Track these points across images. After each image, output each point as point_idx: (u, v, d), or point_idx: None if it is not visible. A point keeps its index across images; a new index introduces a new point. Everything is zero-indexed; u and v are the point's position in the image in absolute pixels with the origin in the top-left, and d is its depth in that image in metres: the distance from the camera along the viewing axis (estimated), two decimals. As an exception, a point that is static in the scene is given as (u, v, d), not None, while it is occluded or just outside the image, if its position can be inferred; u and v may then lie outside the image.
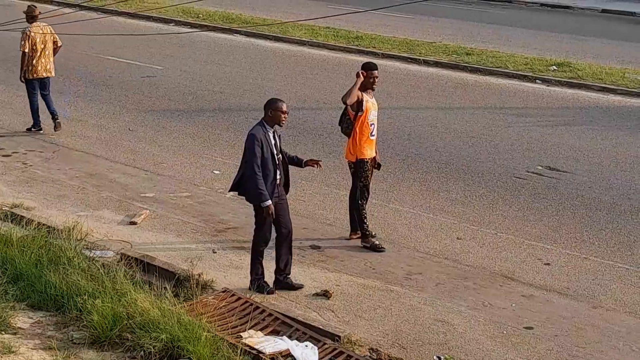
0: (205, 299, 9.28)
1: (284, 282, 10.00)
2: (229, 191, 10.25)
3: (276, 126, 9.85)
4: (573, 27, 29.52)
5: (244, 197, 10.05)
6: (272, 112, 9.72)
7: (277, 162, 9.79)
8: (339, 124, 11.50)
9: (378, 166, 11.59)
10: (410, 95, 19.59)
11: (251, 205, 9.90)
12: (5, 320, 8.80)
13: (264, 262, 10.21)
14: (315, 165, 10.26)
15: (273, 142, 9.76)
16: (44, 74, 15.87)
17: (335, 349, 8.52)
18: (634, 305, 9.97)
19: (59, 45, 16.12)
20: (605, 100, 19.77)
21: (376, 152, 11.52)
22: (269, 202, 9.63)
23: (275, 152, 9.75)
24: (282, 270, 10.05)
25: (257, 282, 9.91)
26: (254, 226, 9.97)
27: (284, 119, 9.80)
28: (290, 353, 8.28)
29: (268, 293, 9.80)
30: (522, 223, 12.28)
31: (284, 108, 9.76)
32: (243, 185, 9.85)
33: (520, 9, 34.80)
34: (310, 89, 19.71)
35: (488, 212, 12.66)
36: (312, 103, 18.45)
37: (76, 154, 14.91)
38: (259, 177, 9.60)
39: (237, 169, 10.01)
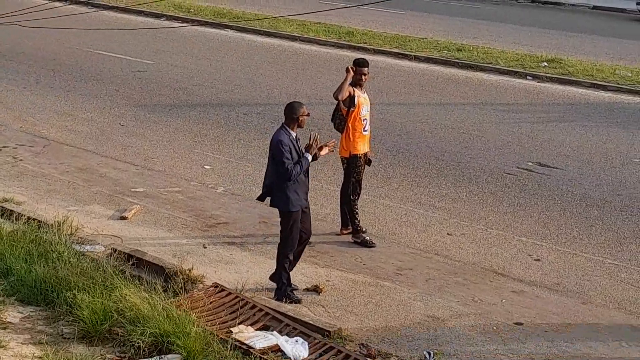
0: (195, 294, 9.26)
1: None
2: (258, 199, 9.90)
3: (297, 128, 9.67)
4: (564, 24, 29.55)
5: (276, 208, 9.68)
6: (301, 117, 9.53)
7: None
8: (332, 120, 11.48)
9: (369, 162, 11.57)
10: (401, 91, 19.58)
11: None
12: (-6, 315, 8.80)
13: (253, 257, 10.16)
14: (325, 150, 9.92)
15: (297, 146, 9.56)
16: None
17: (325, 344, 8.52)
18: (623, 301, 9.99)
19: None
20: (596, 96, 19.81)
21: (369, 148, 11.51)
22: (309, 156, 9.50)
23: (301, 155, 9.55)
24: None
25: (284, 291, 9.62)
26: (280, 235, 9.69)
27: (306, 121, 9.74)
28: (280, 348, 8.28)
29: (295, 302, 9.55)
30: (512, 219, 12.30)
31: (307, 110, 9.67)
32: (274, 193, 9.56)
33: (512, 5, 34.84)
34: (301, 84, 19.69)
35: (478, 208, 12.68)
36: (302, 98, 18.16)
37: (66, 149, 14.87)
38: (294, 168, 9.34)
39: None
